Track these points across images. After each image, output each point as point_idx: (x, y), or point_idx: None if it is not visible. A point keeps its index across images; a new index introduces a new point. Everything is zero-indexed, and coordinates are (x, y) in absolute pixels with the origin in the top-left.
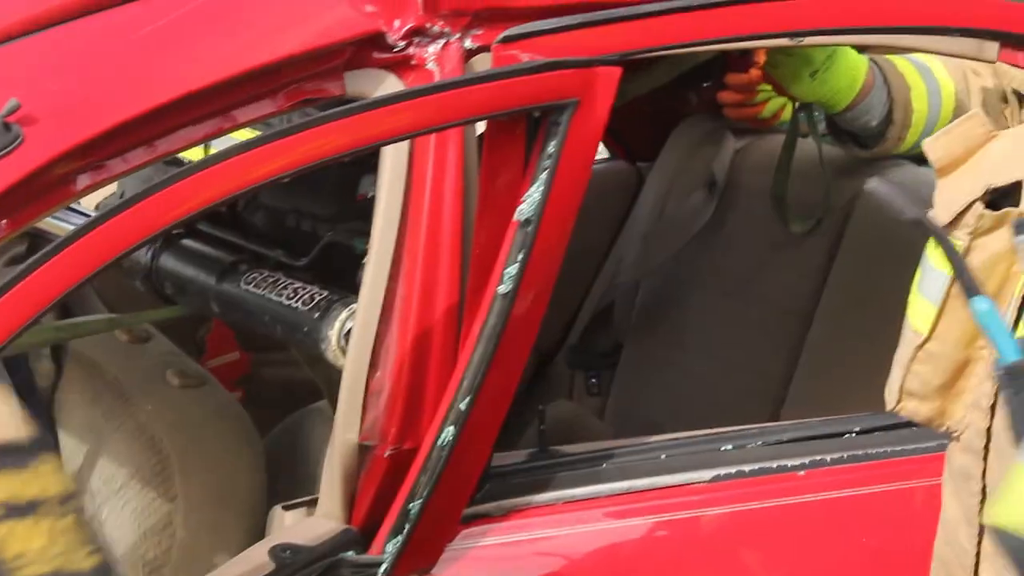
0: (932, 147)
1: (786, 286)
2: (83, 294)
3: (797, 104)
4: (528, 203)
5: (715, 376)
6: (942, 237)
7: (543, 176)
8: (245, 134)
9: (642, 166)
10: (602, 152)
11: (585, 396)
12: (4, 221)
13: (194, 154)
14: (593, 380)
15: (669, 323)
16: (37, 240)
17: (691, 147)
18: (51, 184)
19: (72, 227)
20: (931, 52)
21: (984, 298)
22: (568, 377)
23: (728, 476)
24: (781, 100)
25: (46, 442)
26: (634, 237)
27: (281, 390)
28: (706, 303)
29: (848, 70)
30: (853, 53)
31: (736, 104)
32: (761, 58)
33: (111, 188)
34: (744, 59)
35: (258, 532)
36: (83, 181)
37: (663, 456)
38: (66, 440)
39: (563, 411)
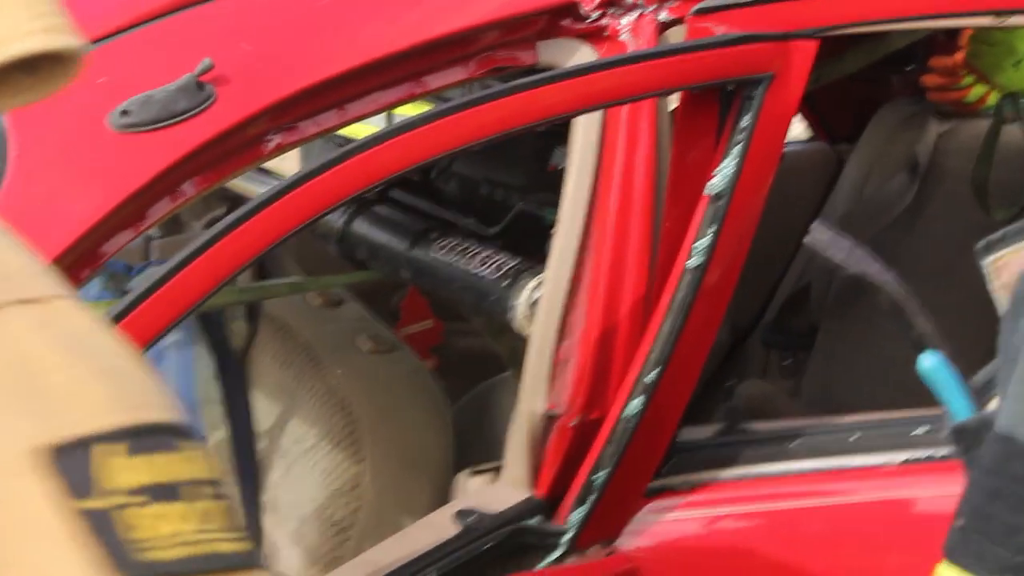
0: None
1: None
2: (280, 258)
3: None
4: (720, 177)
5: (911, 361)
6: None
7: (736, 150)
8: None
9: (842, 148)
10: (803, 133)
11: (779, 377)
12: (196, 178)
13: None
14: (788, 361)
15: (865, 306)
16: (236, 203)
17: (893, 130)
18: (242, 144)
19: (264, 189)
20: None
21: (933, 353)
22: (763, 357)
23: (919, 460)
24: (987, 85)
25: (196, 428)
26: (832, 219)
27: (474, 359)
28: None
29: None
30: None
31: (940, 87)
32: (966, 41)
33: None
34: (949, 42)
35: (444, 497)
36: (274, 142)
37: (854, 437)
38: (259, 400)
39: (755, 391)
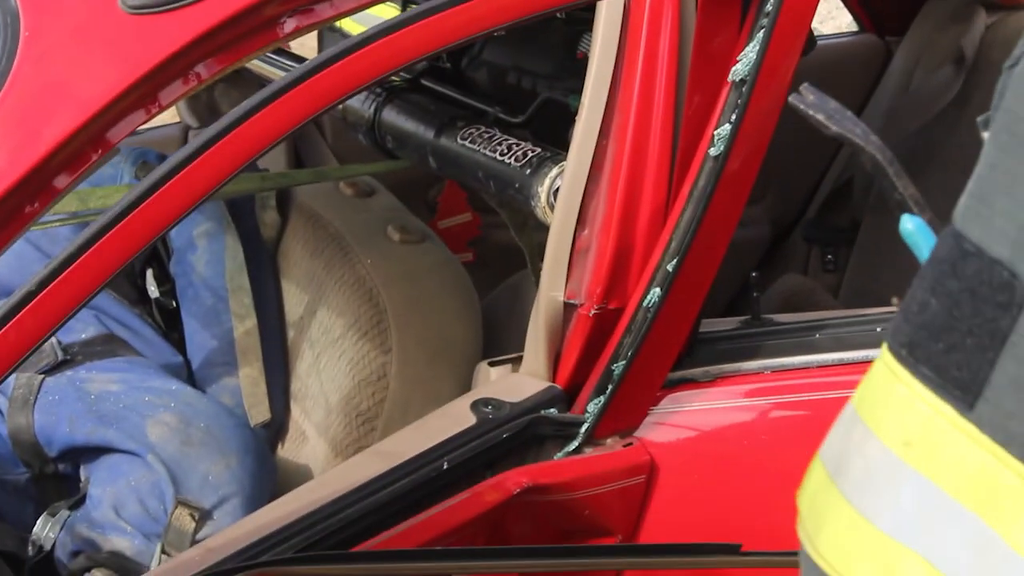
0: None
1: None
2: (315, 148)
3: None
4: (743, 63)
5: None
6: (876, 153)
7: (759, 35)
8: None
9: (891, 40)
10: (851, 25)
11: (820, 272)
12: (209, 60)
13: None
14: (829, 256)
15: None
16: None
17: (941, 21)
18: (257, 26)
19: (282, 72)
20: None
21: (912, 217)
22: (804, 252)
23: None
24: None
25: None
26: (878, 111)
27: (512, 252)
28: (947, 181)
29: None
30: None
31: None
32: None
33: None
34: None
35: (471, 388)
36: (290, 24)
37: (879, 328)
38: (288, 289)
39: (794, 285)
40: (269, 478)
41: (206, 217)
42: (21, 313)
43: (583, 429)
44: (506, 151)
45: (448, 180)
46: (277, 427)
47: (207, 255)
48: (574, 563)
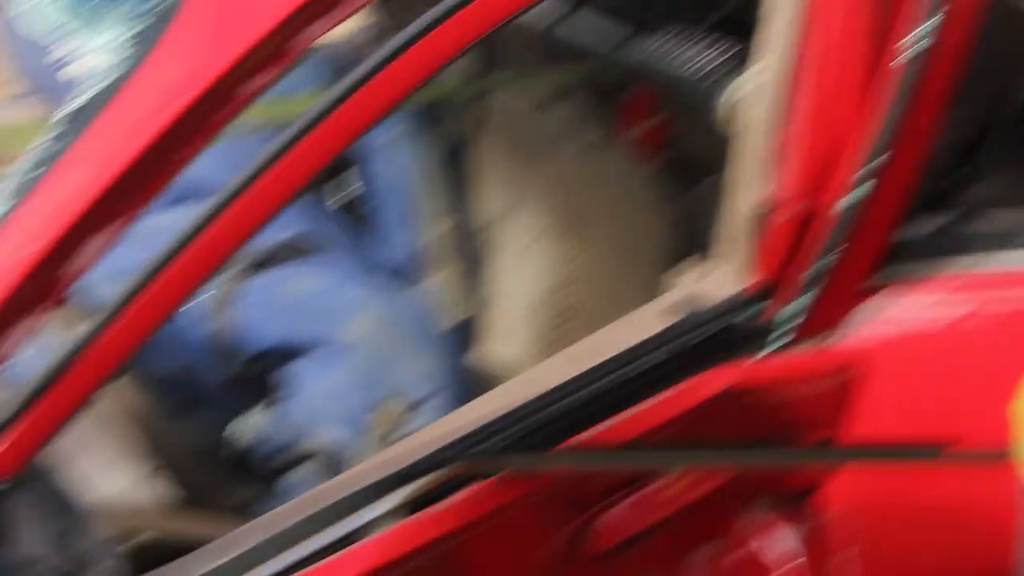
0: None
1: None
2: (507, 55)
3: None
4: None
5: None
6: None
7: None
8: None
9: None
10: None
11: None
12: None
13: None
14: None
15: None
16: None
17: None
18: None
19: None
20: None
21: None
22: (1008, 154)
23: None
24: None
25: None
26: None
27: (701, 157)
28: None
29: None
30: None
31: None
32: None
33: None
34: None
35: (660, 292)
36: None
37: None
38: (480, 193)
39: (996, 187)
40: (466, 377)
41: (398, 122)
42: (223, 213)
43: (782, 331)
44: (694, 58)
45: (635, 86)
46: (471, 328)
47: (400, 160)
48: (775, 460)
